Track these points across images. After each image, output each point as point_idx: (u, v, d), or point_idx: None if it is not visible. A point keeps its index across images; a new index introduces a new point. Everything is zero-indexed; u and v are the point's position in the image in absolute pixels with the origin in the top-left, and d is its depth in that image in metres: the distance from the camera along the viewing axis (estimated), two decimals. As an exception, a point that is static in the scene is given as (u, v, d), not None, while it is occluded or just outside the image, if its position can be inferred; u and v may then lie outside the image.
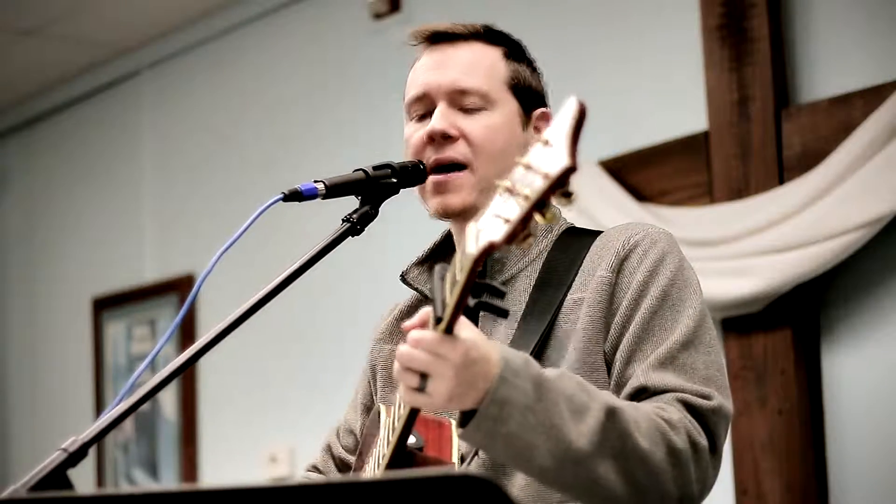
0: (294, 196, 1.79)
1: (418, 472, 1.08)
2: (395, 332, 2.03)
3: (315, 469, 2.11)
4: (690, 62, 3.41)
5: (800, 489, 3.10)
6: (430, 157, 1.88)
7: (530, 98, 1.94)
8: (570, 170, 1.33)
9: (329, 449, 2.10)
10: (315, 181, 1.81)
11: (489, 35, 1.95)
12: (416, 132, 1.91)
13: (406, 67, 2.00)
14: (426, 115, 1.91)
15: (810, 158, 3.12)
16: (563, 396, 1.57)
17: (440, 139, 1.87)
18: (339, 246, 1.81)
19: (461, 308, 1.48)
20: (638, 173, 3.47)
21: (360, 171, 1.85)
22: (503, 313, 1.50)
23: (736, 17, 3.28)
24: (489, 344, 1.55)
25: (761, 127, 3.22)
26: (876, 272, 3.07)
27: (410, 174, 1.87)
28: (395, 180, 1.85)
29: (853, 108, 3.07)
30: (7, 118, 5.88)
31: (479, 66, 1.90)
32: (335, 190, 1.82)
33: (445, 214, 1.90)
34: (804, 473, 3.10)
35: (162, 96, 5.19)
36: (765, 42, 3.23)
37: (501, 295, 1.49)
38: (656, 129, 3.49)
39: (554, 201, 1.36)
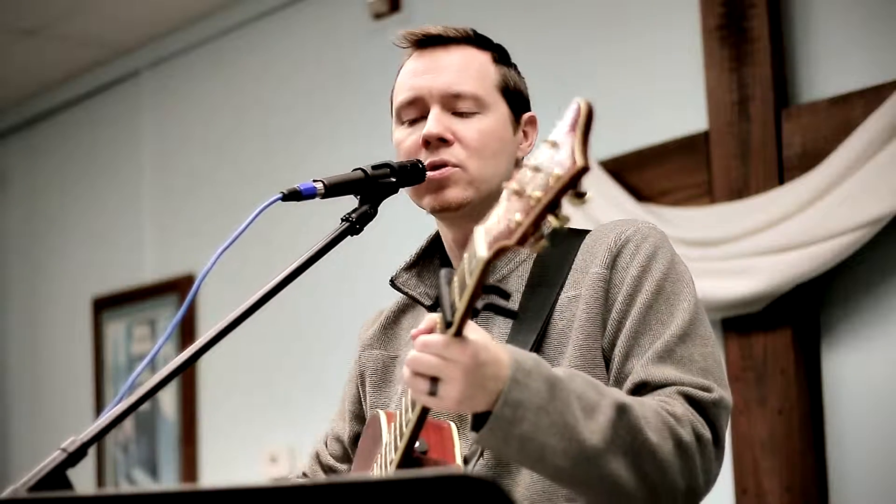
0: (293, 195, 1.78)
1: (419, 473, 1.08)
2: (384, 338, 2.04)
3: (304, 477, 2.11)
4: (690, 62, 3.41)
5: (800, 489, 3.10)
6: (425, 160, 1.88)
7: (519, 102, 1.95)
8: (584, 170, 1.33)
9: (317, 456, 2.11)
10: (314, 181, 1.80)
11: (478, 39, 1.95)
12: (409, 136, 1.91)
13: (406, 68, 1.99)
14: (418, 120, 1.91)
15: (810, 158, 3.12)
16: (574, 395, 1.58)
17: (436, 143, 1.87)
18: (338, 245, 1.81)
19: (470, 311, 1.48)
20: (638, 173, 3.47)
21: (359, 171, 1.85)
22: (512, 314, 1.51)
23: (736, 17, 3.28)
24: (498, 346, 1.56)
25: (761, 127, 3.22)
26: (876, 272, 3.07)
27: (409, 174, 1.87)
28: (393, 180, 1.85)
29: (853, 108, 3.07)
30: (7, 118, 5.88)
31: (471, 69, 1.90)
32: (334, 189, 1.82)
33: (444, 209, 1.88)
34: (804, 473, 3.10)
35: (162, 96, 5.19)
36: (765, 42, 3.22)
37: (507, 296, 1.48)
38: (656, 129, 3.49)
39: (566, 202, 1.35)
